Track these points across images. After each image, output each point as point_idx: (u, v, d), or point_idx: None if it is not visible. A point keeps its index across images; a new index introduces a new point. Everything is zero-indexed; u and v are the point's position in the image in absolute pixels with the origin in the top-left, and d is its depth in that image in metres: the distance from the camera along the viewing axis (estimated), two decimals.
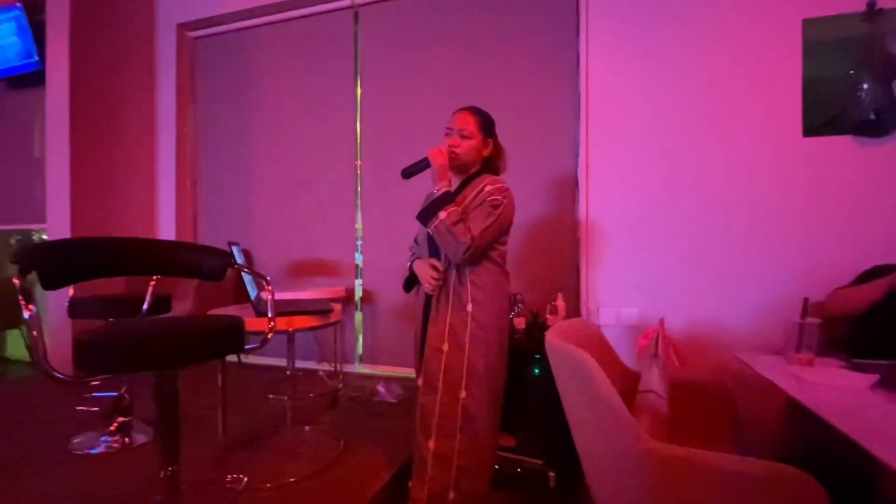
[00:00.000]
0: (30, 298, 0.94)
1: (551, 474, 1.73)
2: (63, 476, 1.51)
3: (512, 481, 1.77)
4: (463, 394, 1.36)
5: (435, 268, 1.44)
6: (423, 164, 1.44)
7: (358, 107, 2.83)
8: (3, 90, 3.88)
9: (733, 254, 1.99)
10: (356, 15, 2.83)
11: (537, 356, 1.78)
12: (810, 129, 1.90)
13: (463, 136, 1.44)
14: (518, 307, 2.07)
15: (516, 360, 1.78)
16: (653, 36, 2.11)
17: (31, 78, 3.53)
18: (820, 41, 1.88)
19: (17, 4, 3.34)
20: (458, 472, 1.34)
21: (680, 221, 2.06)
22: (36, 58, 3.33)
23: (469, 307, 1.38)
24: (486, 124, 1.49)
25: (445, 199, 1.38)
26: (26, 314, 0.93)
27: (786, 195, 1.93)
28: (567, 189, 2.34)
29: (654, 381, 1.28)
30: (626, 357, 1.63)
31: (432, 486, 1.34)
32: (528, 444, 1.79)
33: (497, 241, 1.43)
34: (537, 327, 1.97)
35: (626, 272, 2.14)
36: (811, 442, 1.39)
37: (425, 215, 1.40)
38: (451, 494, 1.33)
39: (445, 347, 1.39)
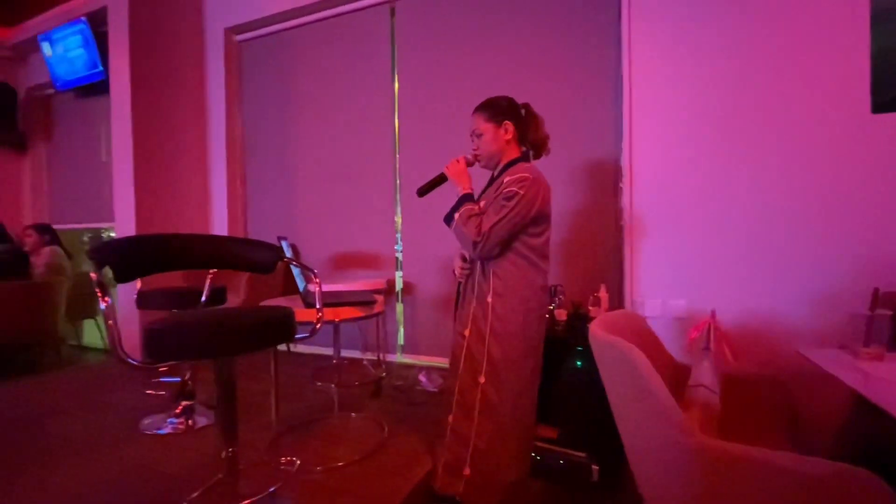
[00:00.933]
0: (105, 291, 1.02)
1: (594, 468, 1.71)
2: (135, 454, 1.64)
3: (553, 473, 1.77)
4: (482, 379, 1.41)
5: (463, 258, 1.53)
6: (438, 180, 1.53)
7: (395, 101, 2.86)
8: (72, 99, 4.22)
9: (792, 241, 1.87)
10: (392, 10, 2.85)
11: (579, 348, 1.75)
12: (880, 105, 1.74)
13: (477, 136, 1.50)
14: (559, 299, 2.05)
15: (558, 351, 1.76)
16: (702, 8, 2.00)
17: (96, 87, 3.81)
18: (890, 7, 1.71)
19: (82, 18, 3.60)
20: (475, 451, 1.39)
21: (732, 207, 1.96)
22: (100, 67, 3.58)
23: (489, 299, 1.42)
24: (494, 111, 1.48)
25: (461, 201, 1.44)
26: (103, 305, 1.01)
27: (851, 177, 1.78)
28: (609, 176, 2.27)
29: (705, 374, 1.24)
30: (674, 350, 1.58)
31: (448, 456, 1.43)
32: (571, 436, 1.77)
33: (522, 232, 1.40)
34: (579, 319, 1.94)
35: (673, 262, 2.06)
36: (877, 442, 1.30)
37: (447, 219, 1.48)
38: (467, 470, 1.39)
39: (467, 333, 1.46)
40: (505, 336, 1.40)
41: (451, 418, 1.45)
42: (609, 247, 2.27)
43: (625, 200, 2.16)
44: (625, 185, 2.16)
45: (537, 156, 1.56)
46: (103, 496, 1.36)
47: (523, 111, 1.52)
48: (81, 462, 1.58)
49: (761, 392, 1.41)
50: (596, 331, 1.17)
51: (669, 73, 2.06)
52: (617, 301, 2.19)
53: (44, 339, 3.25)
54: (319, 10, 3.04)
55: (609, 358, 1.15)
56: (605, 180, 2.28)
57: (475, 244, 1.36)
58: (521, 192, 1.34)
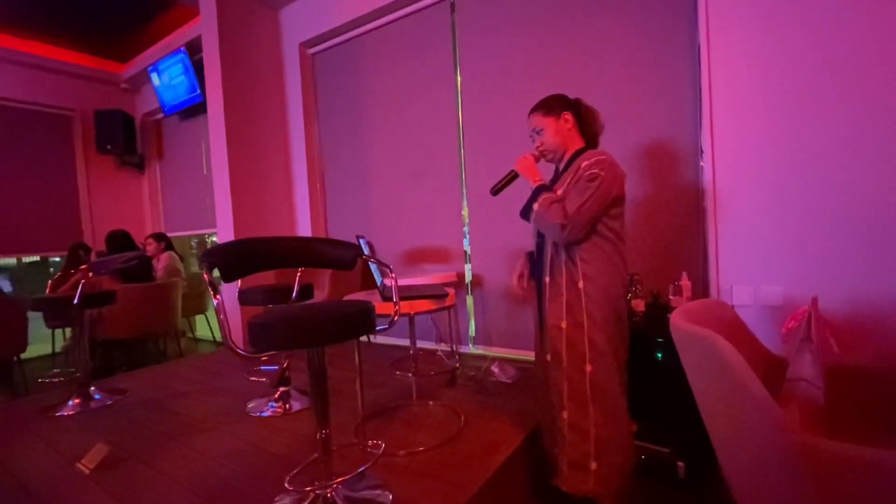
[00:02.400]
0: (217, 290, 1.17)
1: (680, 464, 1.64)
2: (244, 433, 1.86)
3: (636, 468, 1.71)
4: (589, 367, 1.40)
5: (521, 274, 1.62)
6: (510, 177, 1.56)
7: (458, 96, 2.90)
8: (177, 122, 4.79)
9: None
10: (452, 5, 2.88)
11: (660, 339, 1.68)
12: None
13: (538, 132, 1.55)
14: (636, 288, 1.96)
15: (637, 343, 1.70)
16: None
17: (196, 109, 4.30)
18: None
19: (181, 48, 4.07)
20: (598, 441, 1.39)
21: (834, 181, 1.74)
22: (198, 91, 4.03)
23: (580, 284, 1.42)
24: (550, 106, 1.53)
25: (537, 192, 1.46)
26: (215, 302, 1.16)
27: None
28: (687, 155, 2.12)
29: (805, 367, 1.14)
30: (770, 342, 1.46)
31: (572, 454, 1.43)
32: (653, 430, 1.71)
33: (604, 214, 1.41)
34: (659, 309, 1.85)
35: (765, 245, 1.88)
36: None
37: (524, 212, 1.49)
38: (593, 464, 1.39)
39: (563, 325, 1.44)
40: (602, 319, 1.41)
41: (565, 415, 1.44)
42: (690, 231, 2.13)
43: (706, 180, 2.01)
44: (705, 163, 2.01)
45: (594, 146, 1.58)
46: (226, 469, 1.56)
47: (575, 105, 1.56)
48: (204, 438, 1.83)
49: (876, 388, 1.26)
50: (677, 321, 1.12)
51: (752, 39, 1.87)
52: (701, 289, 2.05)
53: (167, 333, 3.77)
54: (383, 15, 3.16)
55: (693, 349, 1.10)
56: (683, 159, 2.14)
57: (562, 227, 1.36)
58: (603, 173, 1.36)
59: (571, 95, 1.59)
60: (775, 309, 1.84)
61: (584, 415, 1.41)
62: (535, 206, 1.43)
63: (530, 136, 1.59)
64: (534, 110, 1.57)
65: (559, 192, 1.44)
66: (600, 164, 1.37)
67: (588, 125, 1.55)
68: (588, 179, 1.36)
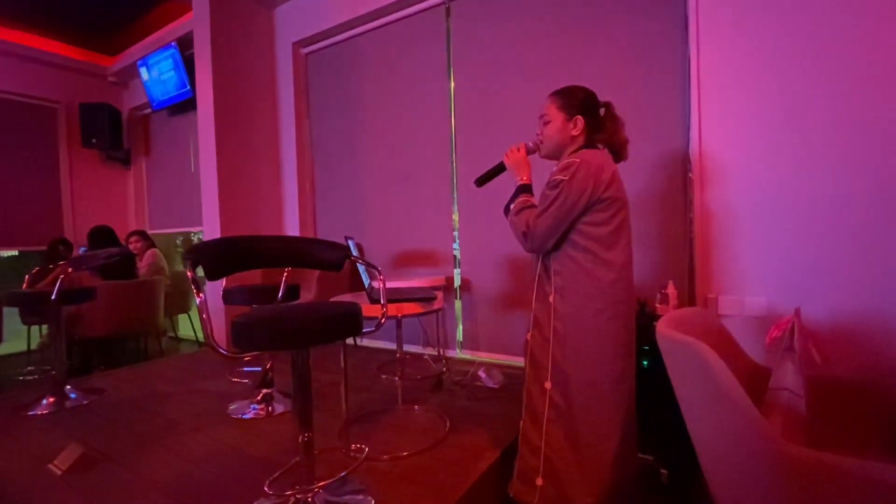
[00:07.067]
0: (200, 288, 1.15)
1: (663, 471, 1.64)
2: (224, 435, 1.82)
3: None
4: (548, 385, 1.33)
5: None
6: (496, 170, 1.48)
7: (451, 100, 2.90)
8: (165, 117, 4.72)
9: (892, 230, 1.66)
10: (447, 10, 2.89)
11: (646, 347, 1.69)
12: None
13: (545, 122, 1.40)
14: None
15: None
16: None
17: (185, 105, 4.24)
18: None
19: (172, 43, 4.02)
20: (546, 462, 1.32)
21: (823, 193, 1.78)
22: (188, 87, 3.98)
23: (551, 298, 1.33)
24: (569, 101, 1.37)
25: (518, 192, 1.40)
26: (198, 300, 1.14)
27: None
28: (676, 165, 2.15)
29: (787, 377, 1.15)
30: (753, 352, 1.48)
31: (521, 464, 1.40)
32: (637, 437, 1.71)
33: (579, 222, 1.27)
34: (645, 317, 1.86)
35: (751, 256, 1.91)
36: None
37: (506, 210, 1.42)
38: (539, 480, 1.33)
39: (529, 337, 1.40)
40: (569, 338, 1.30)
41: (521, 424, 1.42)
42: (677, 240, 2.15)
43: (695, 190, 2.03)
44: (694, 174, 2.03)
45: (615, 161, 1.41)
46: (204, 472, 1.53)
47: (602, 110, 1.41)
48: (183, 440, 1.78)
49: (857, 399, 1.28)
50: (663, 329, 1.12)
51: (741, 53, 1.91)
52: (687, 299, 2.07)
53: (149, 331, 3.69)
54: (378, 18, 3.15)
55: (678, 358, 1.10)
56: (673, 170, 2.16)
57: (524, 236, 1.31)
58: (566, 178, 1.24)
59: None
60: (759, 319, 1.87)
61: (537, 431, 1.35)
62: (512, 207, 1.37)
63: (539, 118, 1.43)
64: (553, 94, 1.40)
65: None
66: (566, 169, 1.25)
67: (606, 135, 1.38)
68: (551, 186, 1.27)
